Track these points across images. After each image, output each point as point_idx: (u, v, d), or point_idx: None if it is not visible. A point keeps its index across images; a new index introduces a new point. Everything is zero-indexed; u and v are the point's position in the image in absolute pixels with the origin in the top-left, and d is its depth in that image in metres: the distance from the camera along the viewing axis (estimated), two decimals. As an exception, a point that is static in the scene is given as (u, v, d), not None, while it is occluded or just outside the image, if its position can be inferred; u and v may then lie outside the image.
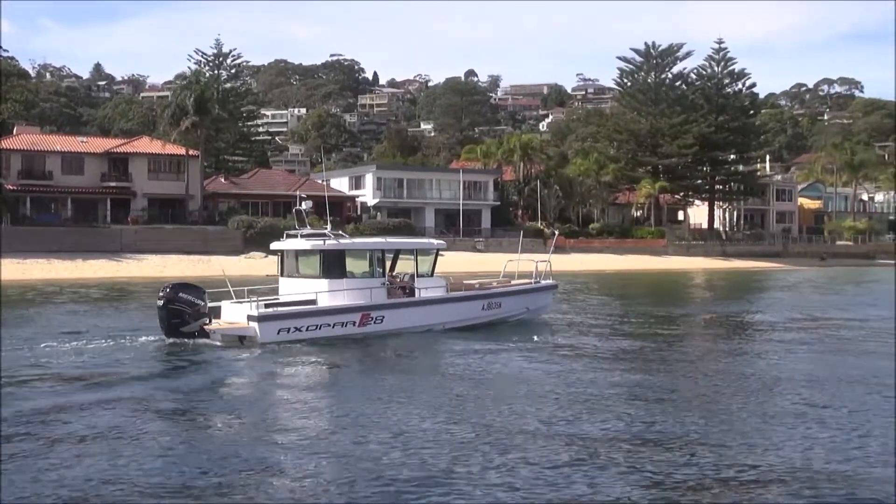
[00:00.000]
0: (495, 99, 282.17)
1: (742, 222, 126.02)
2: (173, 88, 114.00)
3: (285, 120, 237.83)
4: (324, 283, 27.01)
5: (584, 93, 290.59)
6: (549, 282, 33.66)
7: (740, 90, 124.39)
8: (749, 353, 24.19)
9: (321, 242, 27.59)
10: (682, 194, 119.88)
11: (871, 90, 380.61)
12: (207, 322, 25.45)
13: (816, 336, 28.90)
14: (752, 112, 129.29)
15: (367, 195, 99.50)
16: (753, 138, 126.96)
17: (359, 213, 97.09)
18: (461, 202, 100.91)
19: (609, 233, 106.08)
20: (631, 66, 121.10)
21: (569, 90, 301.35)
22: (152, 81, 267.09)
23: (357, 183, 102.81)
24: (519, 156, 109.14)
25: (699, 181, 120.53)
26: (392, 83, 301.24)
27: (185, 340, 25.06)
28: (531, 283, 32.91)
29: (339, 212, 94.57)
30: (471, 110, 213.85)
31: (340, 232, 29.49)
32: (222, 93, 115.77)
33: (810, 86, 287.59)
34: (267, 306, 26.25)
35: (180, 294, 25.30)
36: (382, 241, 32.26)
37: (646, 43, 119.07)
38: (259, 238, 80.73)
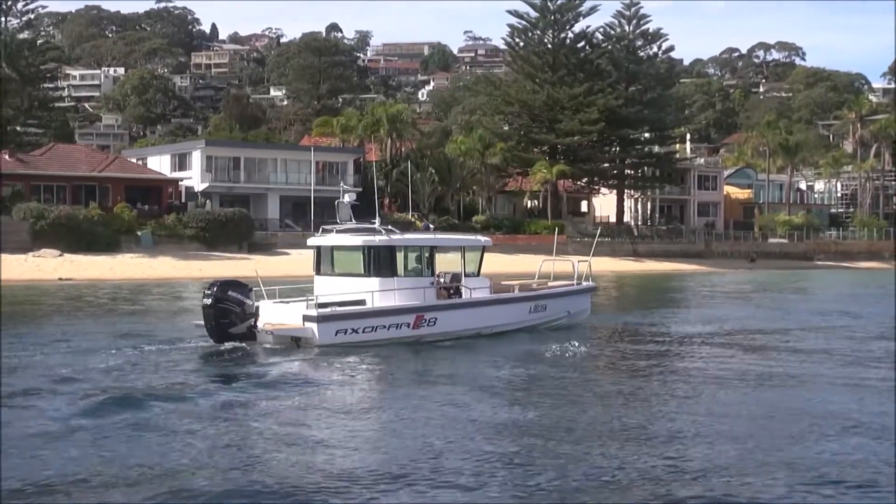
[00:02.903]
0: (364, 60, 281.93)
1: (657, 215, 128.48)
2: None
3: (97, 82, 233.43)
4: (374, 283, 30.11)
5: (472, 55, 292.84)
6: (589, 283, 37.21)
7: (656, 54, 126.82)
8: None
9: (373, 238, 30.70)
10: (585, 180, 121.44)
11: (813, 58, 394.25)
12: (253, 323, 28.69)
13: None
14: (670, 81, 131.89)
15: (195, 178, 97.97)
16: (672, 113, 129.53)
17: (183, 199, 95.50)
18: (313, 188, 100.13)
19: (497, 227, 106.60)
20: (524, 23, 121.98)
21: (454, 51, 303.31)
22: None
23: (182, 162, 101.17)
24: (386, 130, 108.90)
25: (606, 165, 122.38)
26: (235, 38, 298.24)
27: (237, 344, 28.12)
28: (572, 284, 36.51)
29: (158, 198, 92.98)
30: (332, 74, 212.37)
31: (390, 227, 32.60)
32: (12, 46, 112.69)
33: (743, 51, 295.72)
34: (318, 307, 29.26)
35: (229, 293, 28.35)
36: (431, 236, 35.30)
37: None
38: (52, 232, 78.84)
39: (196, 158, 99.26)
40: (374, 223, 31.83)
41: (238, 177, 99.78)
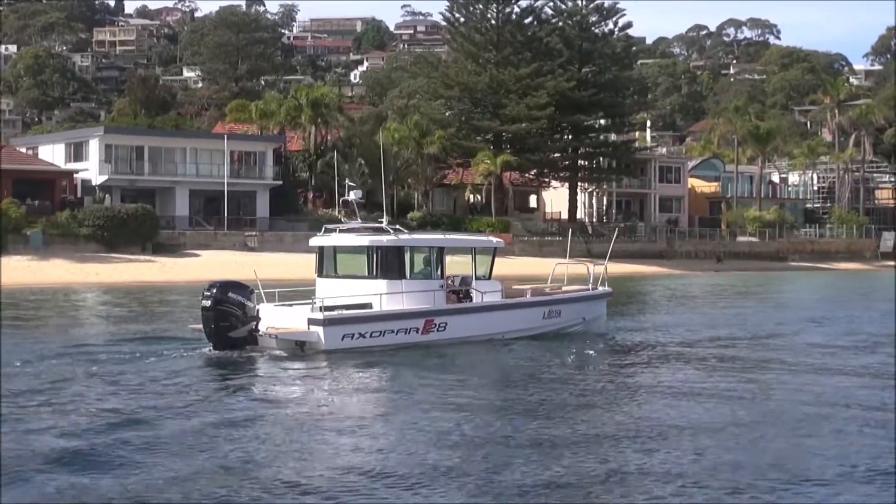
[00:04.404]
0: (289, 38, 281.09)
1: (614, 211, 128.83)
2: None
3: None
4: (382, 285, 31.81)
5: (411, 31, 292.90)
6: (605, 289, 38.85)
7: (612, 31, 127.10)
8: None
9: (380, 238, 32.47)
10: (533, 172, 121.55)
11: (789, 37, 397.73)
12: (255, 327, 30.13)
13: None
14: (627, 61, 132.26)
15: (92, 169, 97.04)
16: (630, 97, 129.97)
17: (79, 194, 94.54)
18: (226, 180, 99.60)
19: (434, 224, 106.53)
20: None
21: (391, 28, 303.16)
22: None
23: (78, 152, 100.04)
24: (309, 117, 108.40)
25: (556, 155, 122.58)
26: (143, 13, 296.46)
27: (235, 353, 29.80)
28: (588, 289, 38.21)
29: (51, 193, 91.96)
30: (252, 52, 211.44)
31: (398, 226, 34.61)
32: None
33: (712, 29, 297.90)
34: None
35: (230, 294, 29.81)
36: (441, 237, 38.07)
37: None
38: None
39: (94, 148, 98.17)
40: (382, 222, 33.63)
41: (142, 168, 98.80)
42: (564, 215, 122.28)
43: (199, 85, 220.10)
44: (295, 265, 71.65)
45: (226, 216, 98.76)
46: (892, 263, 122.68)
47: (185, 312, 44.14)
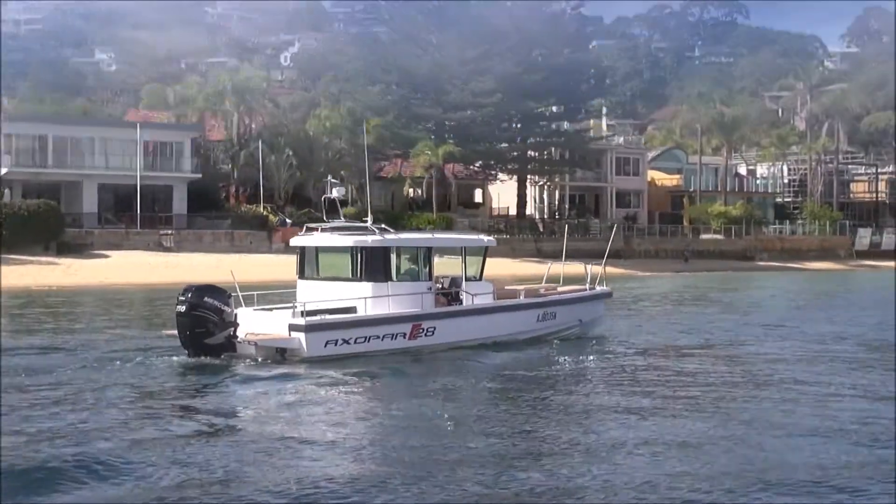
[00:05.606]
0: (213, 16, 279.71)
1: (567, 206, 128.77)
2: None
3: None
4: (367, 288, 32.31)
5: (348, 10, 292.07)
6: (604, 288, 39.69)
7: (564, 11, 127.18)
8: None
9: (365, 238, 32.67)
10: (478, 165, 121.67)
11: (759, 17, 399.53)
12: (233, 332, 30.33)
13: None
14: (581, 42, 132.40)
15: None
16: (585, 82, 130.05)
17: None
18: (140, 174, 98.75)
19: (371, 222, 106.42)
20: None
21: (327, 7, 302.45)
22: None
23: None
24: (232, 103, 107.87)
25: (504, 145, 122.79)
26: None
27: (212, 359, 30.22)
28: (585, 289, 38.96)
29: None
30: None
31: (384, 226, 34.67)
32: None
33: (676, 8, 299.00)
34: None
35: (205, 299, 30.10)
36: (429, 236, 39.06)
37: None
38: None
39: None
40: (366, 221, 34.07)
41: (45, 160, 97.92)
42: (513, 211, 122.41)
43: (113, 68, 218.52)
44: (216, 267, 71.16)
45: (139, 213, 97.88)
46: (867, 263, 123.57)
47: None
